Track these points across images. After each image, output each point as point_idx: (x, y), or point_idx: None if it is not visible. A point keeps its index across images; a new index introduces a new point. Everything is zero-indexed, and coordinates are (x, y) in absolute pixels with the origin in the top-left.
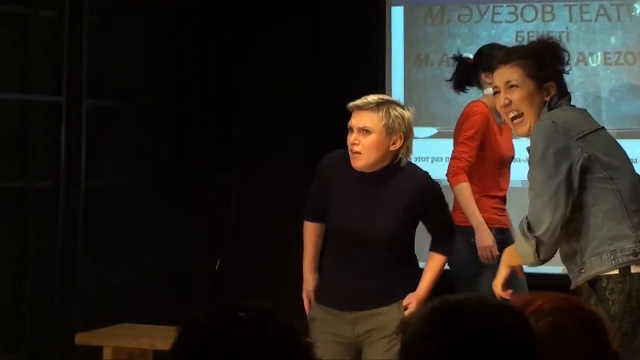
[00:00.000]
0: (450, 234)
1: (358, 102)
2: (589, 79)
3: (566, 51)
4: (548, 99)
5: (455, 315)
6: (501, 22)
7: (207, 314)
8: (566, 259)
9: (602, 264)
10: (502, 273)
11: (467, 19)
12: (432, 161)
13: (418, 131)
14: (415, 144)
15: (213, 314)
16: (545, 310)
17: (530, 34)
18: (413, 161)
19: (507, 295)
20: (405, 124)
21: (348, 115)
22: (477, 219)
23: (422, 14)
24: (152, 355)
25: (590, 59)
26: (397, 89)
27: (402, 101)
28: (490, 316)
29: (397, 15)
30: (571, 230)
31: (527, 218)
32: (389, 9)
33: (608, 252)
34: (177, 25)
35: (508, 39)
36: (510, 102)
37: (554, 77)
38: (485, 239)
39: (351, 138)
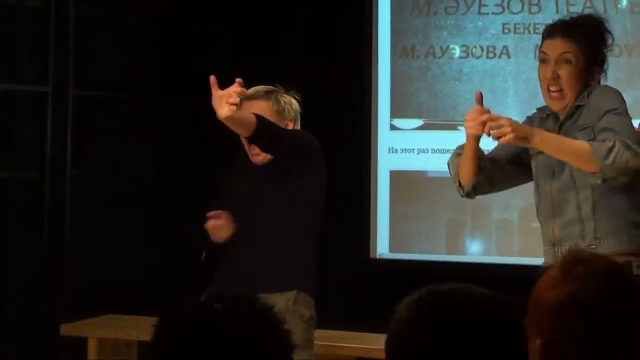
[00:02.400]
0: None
1: (247, 93)
2: None
3: (611, 34)
4: (593, 83)
5: (443, 304)
6: (488, 14)
7: (184, 307)
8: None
9: None
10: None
11: (453, 10)
12: (417, 153)
13: (404, 122)
14: (402, 136)
15: (190, 306)
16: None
17: (517, 26)
18: (399, 153)
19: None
20: (293, 110)
21: (334, 107)
22: None
23: (408, 6)
24: (137, 346)
25: None
26: (384, 81)
27: (388, 93)
28: (478, 307)
29: (383, 6)
30: (620, 198)
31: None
32: (375, 0)
33: None
34: (164, 16)
35: (494, 31)
36: (559, 76)
37: (603, 62)
38: None
39: None
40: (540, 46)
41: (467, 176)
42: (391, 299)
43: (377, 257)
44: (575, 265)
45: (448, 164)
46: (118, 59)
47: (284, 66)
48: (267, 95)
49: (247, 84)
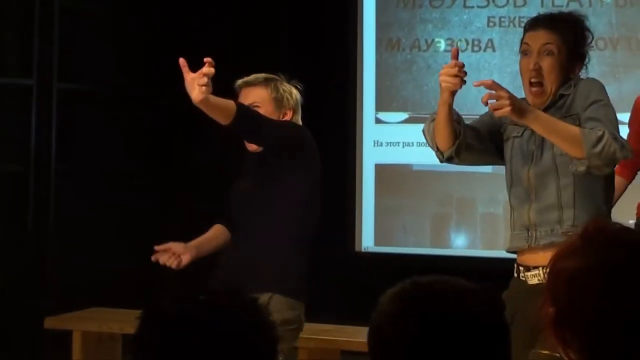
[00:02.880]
0: None
1: (246, 79)
2: None
3: (591, 32)
4: (573, 77)
5: (425, 297)
6: (473, 7)
7: (169, 299)
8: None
9: None
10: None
11: (438, 4)
12: (403, 146)
13: (389, 116)
14: (387, 129)
15: (174, 298)
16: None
17: (502, 19)
18: (384, 146)
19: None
20: (293, 99)
21: (319, 99)
22: None
23: None
24: (121, 339)
25: None
26: (369, 74)
27: (373, 86)
28: (461, 299)
29: None
30: (598, 189)
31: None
32: None
33: None
34: (148, 9)
35: (479, 24)
36: (540, 68)
37: (583, 58)
38: None
39: None
40: (522, 38)
41: (444, 140)
42: (376, 292)
43: (362, 250)
44: (596, 235)
45: (423, 130)
46: (103, 52)
47: (269, 59)
48: (266, 82)
49: (231, 79)
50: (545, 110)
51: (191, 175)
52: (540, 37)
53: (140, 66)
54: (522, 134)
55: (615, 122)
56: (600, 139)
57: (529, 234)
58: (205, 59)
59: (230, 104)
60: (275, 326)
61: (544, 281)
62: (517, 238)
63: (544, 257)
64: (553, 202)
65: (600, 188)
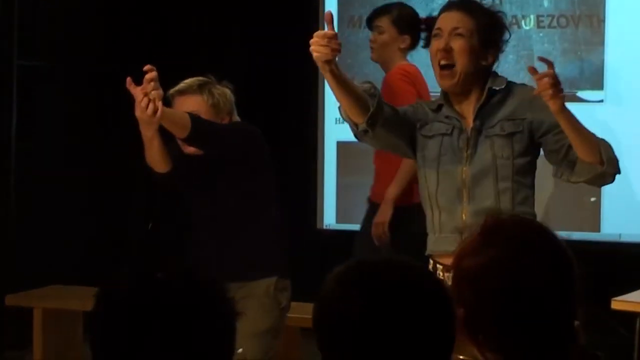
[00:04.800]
0: None
1: (179, 87)
2: (522, 42)
3: (508, 31)
4: (487, 64)
5: (370, 274)
6: None
7: (125, 276)
8: None
9: None
10: None
11: None
12: None
13: None
14: None
15: (130, 275)
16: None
17: None
18: (345, 124)
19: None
20: (229, 102)
21: (281, 77)
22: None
23: None
24: (82, 316)
25: (523, 22)
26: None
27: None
28: (404, 274)
29: None
30: (529, 194)
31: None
32: None
33: None
34: None
35: (441, 1)
36: (451, 49)
37: (498, 49)
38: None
39: None
40: (435, 23)
41: (352, 111)
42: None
43: (324, 227)
44: (495, 231)
45: (339, 107)
46: (62, 28)
47: (228, 37)
48: (200, 89)
49: (192, 55)
50: (482, 107)
51: None
52: (453, 19)
53: (100, 41)
54: (452, 132)
55: None
56: (612, 148)
57: (463, 236)
58: (145, 67)
59: (184, 117)
60: (234, 303)
61: None
62: (446, 241)
63: None
64: (489, 206)
65: (531, 194)
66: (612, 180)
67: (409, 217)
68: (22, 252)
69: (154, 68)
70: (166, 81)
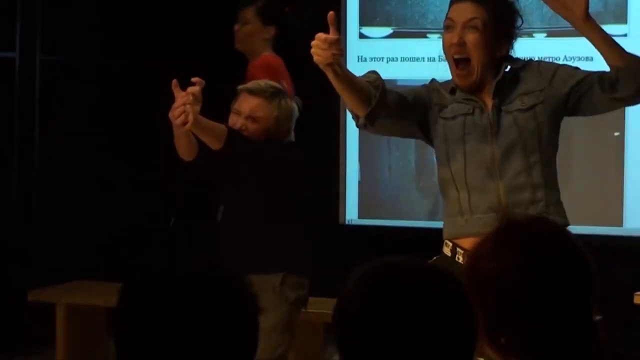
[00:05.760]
0: None
1: (250, 86)
2: None
3: (520, 16)
4: (502, 55)
5: (394, 276)
6: None
7: (149, 272)
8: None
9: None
10: None
11: None
12: (387, 61)
13: (373, 31)
14: (371, 44)
15: (154, 270)
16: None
17: None
18: (368, 61)
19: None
20: (291, 119)
21: (302, 72)
22: None
23: None
24: (105, 312)
25: None
26: None
27: (357, 1)
28: (427, 277)
29: None
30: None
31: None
32: None
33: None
34: None
35: None
36: (465, 43)
37: (512, 37)
38: None
39: (238, 123)
40: (447, 13)
41: (354, 106)
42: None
43: (346, 223)
44: (512, 232)
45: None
46: (85, 24)
47: None
48: (272, 97)
49: (215, 52)
50: (499, 85)
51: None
52: (466, 11)
53: (123, 38)
54: (473, 112)
55: None
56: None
57: (499, 216)
58: (194, 79)
59: (220, 132)
60: (257, 299)
61: None
62: (479, 222)
63: None
64: (523, 182)
65: (555, 168)
66: (627, 94)
67: None
68: (44, 247)
69: (202, 82)
70: (186, 78)
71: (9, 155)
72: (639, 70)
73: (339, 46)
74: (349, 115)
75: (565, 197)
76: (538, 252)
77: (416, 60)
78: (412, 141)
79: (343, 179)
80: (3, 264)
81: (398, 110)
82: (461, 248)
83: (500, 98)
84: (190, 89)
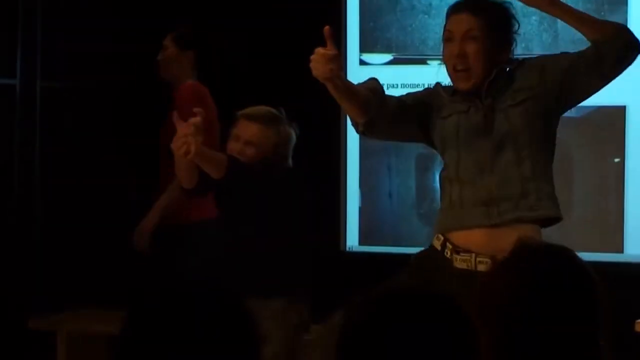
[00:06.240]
0: None
1: (249, 111)
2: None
3: (516, 20)
4: (501, 61)
5: (401, 305)
6: None
7: (150, 296)
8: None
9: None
10: None
11: None
12: (387, 88)
13: (373, 57)
14: (371, 71)
15: (155, 295)
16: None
17: None
18: None
19: None
20: (289, 145)
21: (302, 40)
22: None
23: None
24: (106, 340)
25: None
26: (352, 15)
27: (357, 27)
28: (429, 306)
29: None
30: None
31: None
32: None
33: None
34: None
35: None
36: (466, 54)
37: (511, 43)
38: None
39: (237, 149)
40: (445, 24)
41: (353, 114)
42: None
43: (347, 249)
44: (527, 259)
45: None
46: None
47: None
48: (270, 122)
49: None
50: (492, 82)
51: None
52: (464, 22)
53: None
54: (468, 110)
55: None
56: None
57: (490, 209)
58: (195, 110)
59: (221, 162)
60: (258, 325)
61: (472, 268)
62: (469, 215)
63: (479, 240)
64: (513, 175)
65: (550, 166)
66: (636, 51)
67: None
68: (46, 275)
69: (203, 112)
70: None
71: (10, 180)
72: (617, 37)
73: (338, 61)
74: (350, 141)
75: (565, 223)
76: (548, 278)
77: (416, 87)
78: (413, 167)
79: (344, 205)
80: (4, 291)
81: (397, 113)
82: (450, 242)
83: (494, 97)
84: (191, 120)
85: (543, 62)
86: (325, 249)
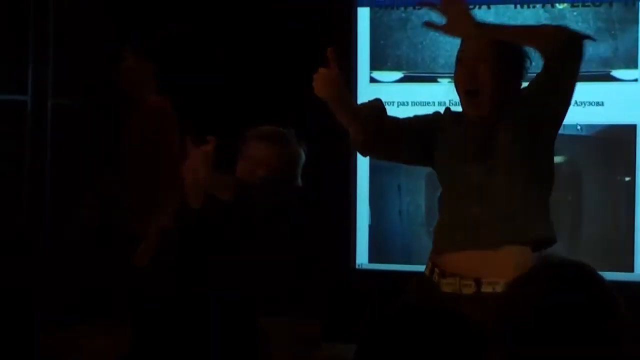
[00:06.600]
0: None
1: (259, 132)
2: (556, 21)
3: (529, 58)
4: (512, 91)
5: (420, 323)
6: None
7: (161, 316)
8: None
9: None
10: None
11: None
12: (398, 105)
13: (384, 75)
14: (381, 89)
15: (168, 316)
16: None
17: None
18: None
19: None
20: (299, 165)
21: (313, 59)
22: None
23: None
24: (116, 355)
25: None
26: (363, 33)
27: (368, 45)
28: (443, 323)
29: None
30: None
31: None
32: None
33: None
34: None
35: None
36: (476, 76)
37: (521, 76)
38: None
39: (247, 168)
40: (460, 46)
41: (353, 131)
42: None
43: (357, 267)
44: (547, 276)
45: None
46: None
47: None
48: (280, 142)
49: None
50: (498, 120)
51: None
52: (477, 45)
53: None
54: (464, 133)
55: None
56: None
57: (476, 232)
58: (207, 138)
59: (230, 182)
60: (268, 342)
61: (458, 291)
62: (458, 237)
63: (464, 264)
64: (501, 198)
65: (542, 184)
66: (580, 43)
67: None
68: (55, 292)
69: (215, 139)
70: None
71: (20, 196)
72: (560, 38)
73: (338, 80)
74: (360, 159)
75: (575, 242)
76: (568, 295)
77: (427, 105)
78: (423, 186)
79: (354, 223)
80: (12, 307)
81: (397, 134)
82: (438, 266)
83: (488, 124)
84: (203, 147)
85: (524, 90)
86: (335, 267)
